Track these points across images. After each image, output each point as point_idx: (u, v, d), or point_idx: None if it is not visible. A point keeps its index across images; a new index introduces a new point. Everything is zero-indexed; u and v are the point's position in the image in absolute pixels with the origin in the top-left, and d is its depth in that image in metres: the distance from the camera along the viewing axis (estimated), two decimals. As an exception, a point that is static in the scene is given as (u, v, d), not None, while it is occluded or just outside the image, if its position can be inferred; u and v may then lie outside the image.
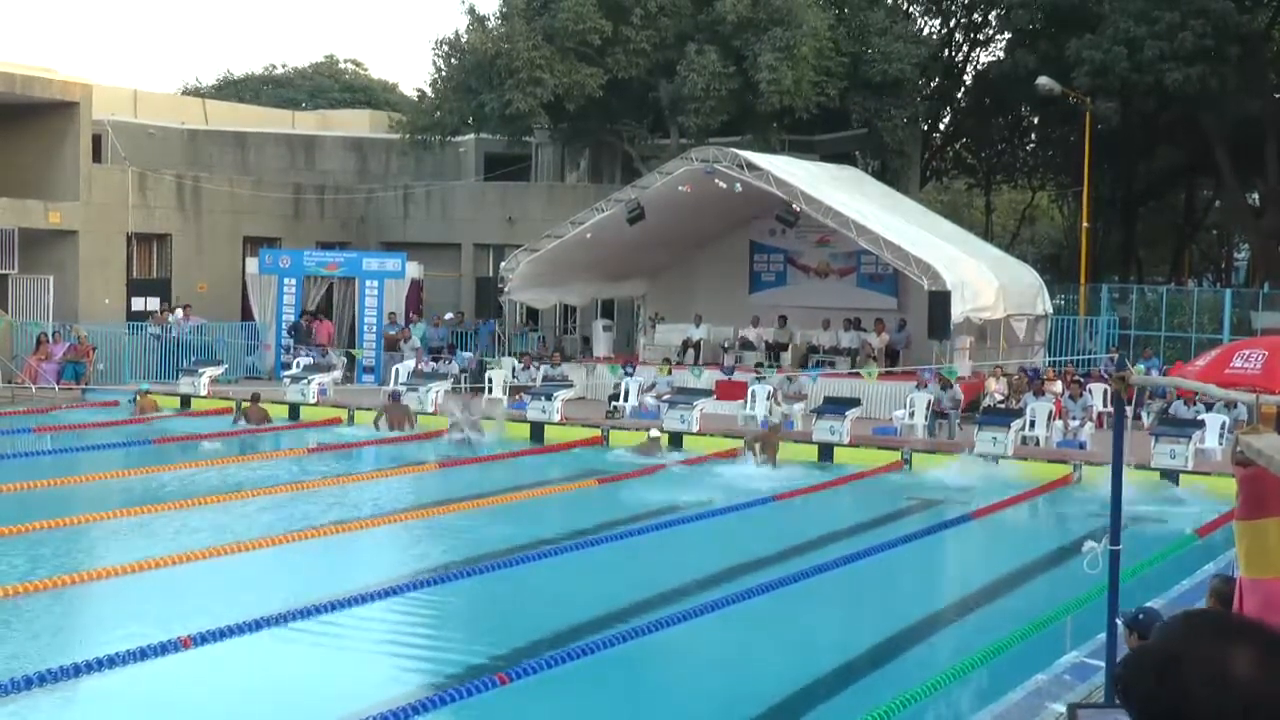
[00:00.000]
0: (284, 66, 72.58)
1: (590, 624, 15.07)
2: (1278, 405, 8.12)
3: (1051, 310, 37.25)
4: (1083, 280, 40.22)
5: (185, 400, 33.31)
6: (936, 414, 29.82)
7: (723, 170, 32.57)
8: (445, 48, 42.62)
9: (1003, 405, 30.03)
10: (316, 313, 38.50)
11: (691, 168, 33.08)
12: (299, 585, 16.78)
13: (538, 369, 34.06)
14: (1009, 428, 27.71)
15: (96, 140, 39.65)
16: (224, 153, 47.07)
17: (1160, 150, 50.14)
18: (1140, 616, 9.23)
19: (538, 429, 30.68)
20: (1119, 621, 9.47)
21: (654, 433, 28.79)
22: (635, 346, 39.11)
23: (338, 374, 35.10)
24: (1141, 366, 31.75)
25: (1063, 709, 10.53)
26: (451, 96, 42.50)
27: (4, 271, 36.81)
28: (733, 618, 15.80)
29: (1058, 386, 30.64)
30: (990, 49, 53.74)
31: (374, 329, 38.14)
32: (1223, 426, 27.46)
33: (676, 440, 29.43)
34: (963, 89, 54.07)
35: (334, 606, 15.48)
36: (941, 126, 55.60)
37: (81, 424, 30.54)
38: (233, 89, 67.14)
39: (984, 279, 33.01)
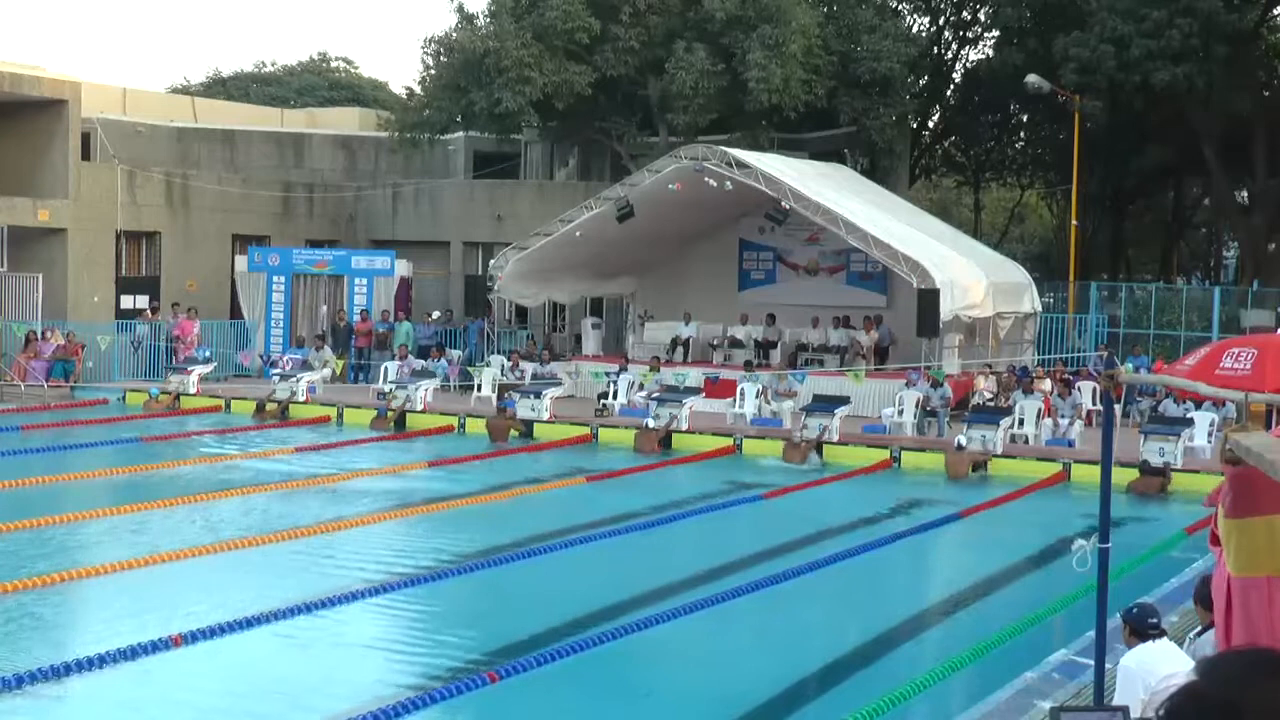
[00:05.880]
0: (274, 64, 72.54)
1: (579, 622, 15.08)
2: (1267, 404, 8.15)
3: (1040, 308, 37.28)
4: (1072, 278, 40.26)
5: (175, 398, 33.26)
6: (925, 412, 29.87)
7: (712, 168, 32.56)
8: (434, 46, 42.59)
9: (992, 403, 30.07)
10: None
11: (681, 166, 33.08)
12: (289, 584, 16.79)
13: (524, 368, 34.03)
14: (998, 426, 27.74)
15: (85, 138, 39.53)
16: (213, 151, 47.00)
17: (1149, 148, 50.19)
18: (1134, 610, 9.25)
19: (528, 427, 30.66)
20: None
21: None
22: (624, 344, 39.11)
23: (326, 372, 35.06)
24: (1130, 364, 31.78)
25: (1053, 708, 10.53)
26: (440, 95, 42.45)
27: (-8, 269, 36.79)
28: (721, 616, 15.82)
29: (1047, 385, 30.67)
30: (979, 47, 53.85)
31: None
32: (1212, 424, 27.53)
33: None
34: (951, 86, 54.11)
35: (324, 605, 15.49)
36: (930, 124, 55.62)
37: (72, 421, 30.59)
38: (221, 87, 67.00)
39: (973, 277, 33.04)
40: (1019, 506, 24.20)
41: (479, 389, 33.14)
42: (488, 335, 37.63)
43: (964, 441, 27.05)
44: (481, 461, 27.72)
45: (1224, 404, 26.80)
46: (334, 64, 73.99)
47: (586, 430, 30.47)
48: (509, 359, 34.72)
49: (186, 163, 44.70)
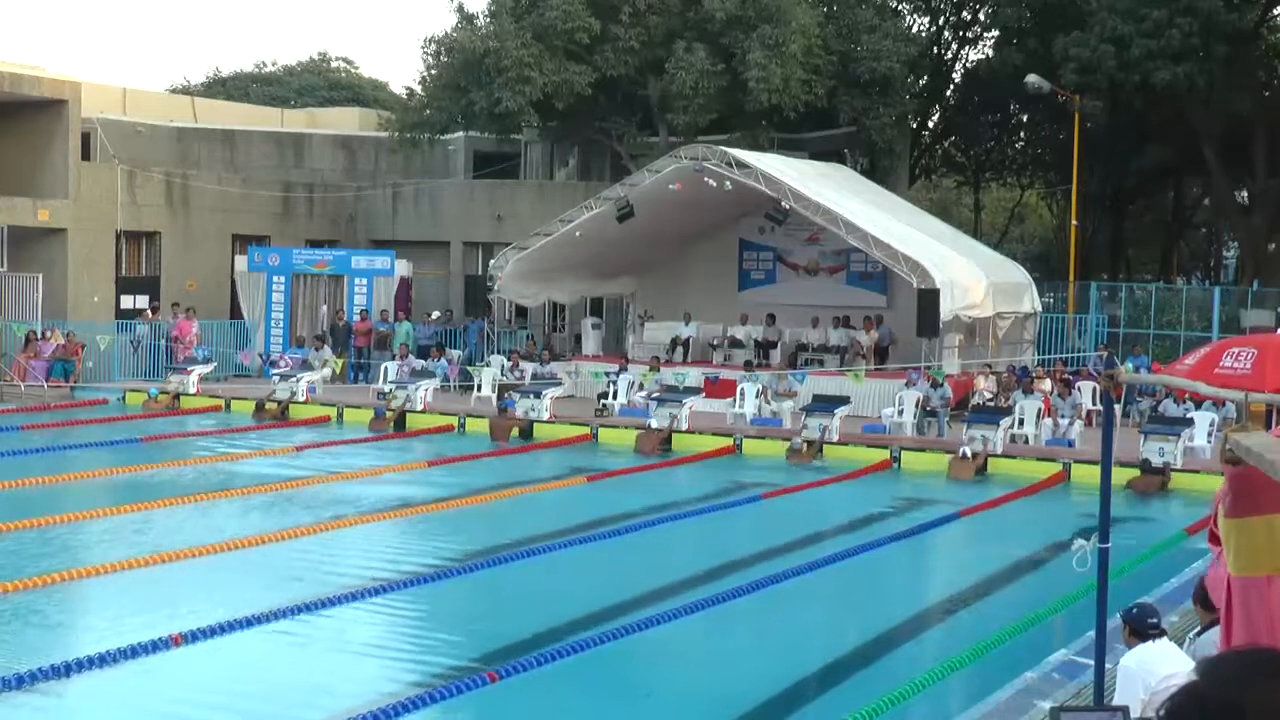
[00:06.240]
0: (274, 64, 72.56)
1: (579, 622, 15.08)
2: (1267, 404, 8.15)
3: (1040, 308, 37.28)
4: (1072, 278, 40.27)
5: (174, 398, 33.26)
6: (925, 412, 29.86)
7: (712, 168, 32.56)
8: (434, 46, 42.60)
9: (992, 403, 30.07)
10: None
11: (680, 166, 33.08)
12: (289, 584, 16.79)
13: (524, 368, 34.01)
14: (998, 426, 27.74)
15: (85, 138, 39.53)
16: (213, 151, 47.00)
17: (1149, 148, 50.20)
18: (1135, 610, 9.24)
19: (526, 427, 30.67)
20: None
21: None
22: (624, 344, 39.11)
23: (326, 372, 35.06)
24: (1130, 364, 31.78)
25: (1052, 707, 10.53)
26: (440, 95, 42.47)
27: (-8, 269, 36.79)
28: (721, 616, 15.82)
29: (1047, 384, 30.67)
30: (979, 47, 53.86)
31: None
32: (1211, 424, 27.53)
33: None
34: (951, 86, 54.11)
35: (324, 605, 15.49)
36: (930, 124, 55.61)
37: (73, 421, 30.62)
38: (221, 87, 67.01)
39: (973, 277, 33.05)
40: (1019, 506, 24.19)
41: (479, 389, 33.14)
42: (488, 335, 37.63)
43: (968, 452, 26.98)
44: (481, 461, 27.72)
45: (1224, 404, 26.80)
46: (334, 64, 74.01)
47: (586, 430, 30.46)
48: (509, 359, 34.72)
49: (186, 163, 44.70)
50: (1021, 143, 59.18)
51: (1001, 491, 24.88)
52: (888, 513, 23.47)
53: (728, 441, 29.24)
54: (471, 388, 33.44)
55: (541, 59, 39.08)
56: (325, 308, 39.30)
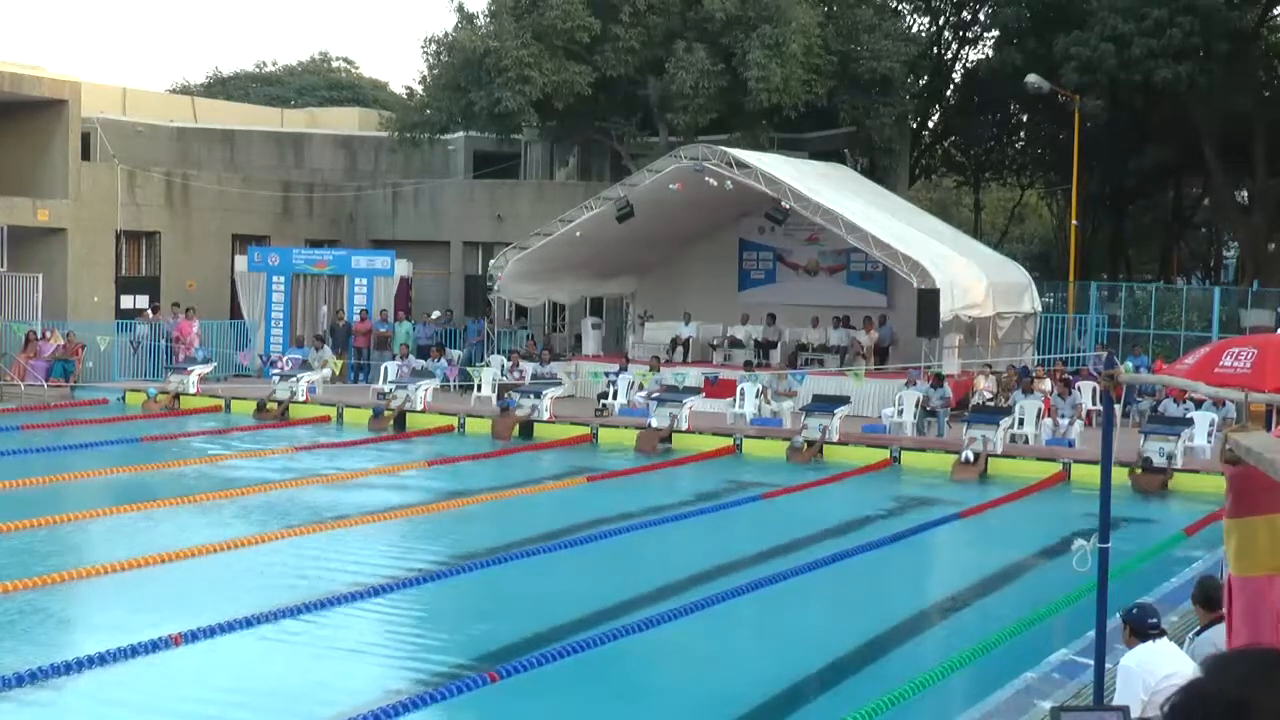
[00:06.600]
0: (274, 64, 72.57)
1: (579, 622, 15.07)
2: (1267, 404, 8.15)
3: (1040, 308, 37.27)
4: (1072, 278, 40.26)
5: (174, 398, 33.25)
6: (925, 412, 29.85)
7: (712, 168, 32.55)
8: (434, 46, 42.59)
9: (992, 403, 30.06)
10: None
11: (681, 166, 33.07)
12: (289, 584, 16.79)
13: (524, 368, 33.99)
14: (998, 426, 27.73)
15: (85, 138, 39.50)
16: (213, 150, 47.02)
17: (1149, 148, 50.22)
18: (1135, 610, 9.24)
19: (527, 426, 30.66)
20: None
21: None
22: (624, 344, 39.11)
23: (326, 372, 35.05)
24: (1130, 364, 31.78)
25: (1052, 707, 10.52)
26: (440, 94, 42.46)
27: (-8, 269, 36.77)
28: (721, 616, 15.81)
29: (1047, 384, 30.66)
30: (979, 47, 53.89)
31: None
32: (1211, 424, 27.53)
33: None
34: (951, 86, 54.13)
35: (324, 605, 15.49)
36: (930, 124, 55.63)
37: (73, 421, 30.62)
38: (221, 87, 67.03)
39: (973, 277, 33.03)
40: (1019, 506, 24.18)
41: (479, 389, 33.13)
42: (488, 335, 37.60)
43: (970, 457, 26.94)
44: (481, 461, 27.72)
45: (1224, 404, 26.81)
46: (334, 64, 74.04)
47: (586, 430, 30.46)
48: (509, 359, 34.71)
49: (186, 163, 44.70)
50: (1021, 143, 59.17)
51: (1002, 491, 24.87)
52: (888, 513, 23.47)
53: (728, 441, 29.24)
54: (471, 388, 33.44)
55: (541, 59, 39.07)
56: (325, 308, 39.30)
